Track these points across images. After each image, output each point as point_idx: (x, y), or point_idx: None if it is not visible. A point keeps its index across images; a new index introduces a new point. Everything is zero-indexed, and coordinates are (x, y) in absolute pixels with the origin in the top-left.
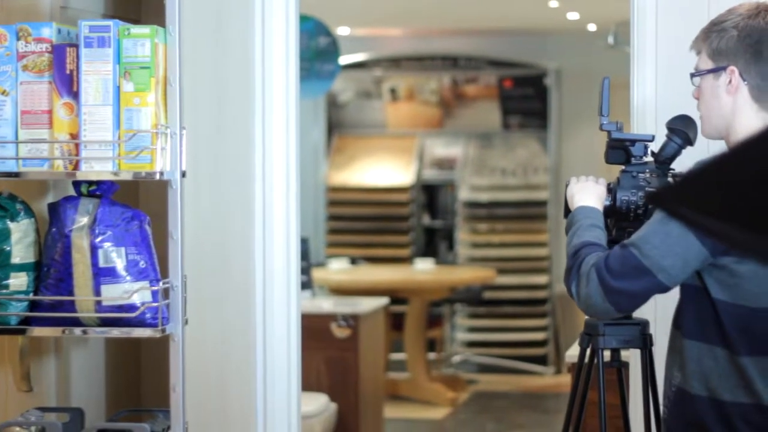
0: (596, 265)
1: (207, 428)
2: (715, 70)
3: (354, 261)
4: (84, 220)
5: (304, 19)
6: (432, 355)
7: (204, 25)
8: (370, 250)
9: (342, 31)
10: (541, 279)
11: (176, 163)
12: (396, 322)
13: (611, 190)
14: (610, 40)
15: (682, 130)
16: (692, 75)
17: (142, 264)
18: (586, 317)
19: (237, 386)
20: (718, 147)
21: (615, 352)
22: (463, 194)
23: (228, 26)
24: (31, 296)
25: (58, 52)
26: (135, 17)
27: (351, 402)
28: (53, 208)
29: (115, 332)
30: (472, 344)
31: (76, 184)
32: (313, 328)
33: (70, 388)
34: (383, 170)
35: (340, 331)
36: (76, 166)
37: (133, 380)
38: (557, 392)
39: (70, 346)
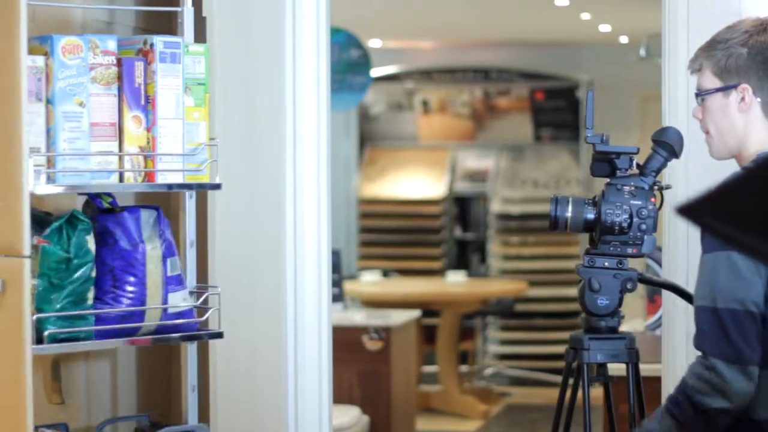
0: (715, 366)
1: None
2: (725, 89)
3: (386, 273)
4: (152, 231)
5: (335, 32)
6: (464, 368)
7: (235, 39)
8: (402, 263)
9: (374, 43)
10: (572, 291)
11: (214, 174)
12: (428, 334)
13: (596, 203)
14: (642, 52)
15: (667, 142)
16: (698, 94)
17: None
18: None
19: (268, 398)
20: (700, 161)
21: (601, 367)
22: (495, 207)
23: (259, 39)
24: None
25: (127, 66)
26: (168, 31)
27: (383, 414)
28: (112, 219)
29: (176, 338)
30: (504, 357)
31: (95, 198)
32: (345, 340)
33: (101, 399)
34: (415, 182)
35: (372, 344)
36: (148, 178)
37: (164, 390)
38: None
39: (101, 359)
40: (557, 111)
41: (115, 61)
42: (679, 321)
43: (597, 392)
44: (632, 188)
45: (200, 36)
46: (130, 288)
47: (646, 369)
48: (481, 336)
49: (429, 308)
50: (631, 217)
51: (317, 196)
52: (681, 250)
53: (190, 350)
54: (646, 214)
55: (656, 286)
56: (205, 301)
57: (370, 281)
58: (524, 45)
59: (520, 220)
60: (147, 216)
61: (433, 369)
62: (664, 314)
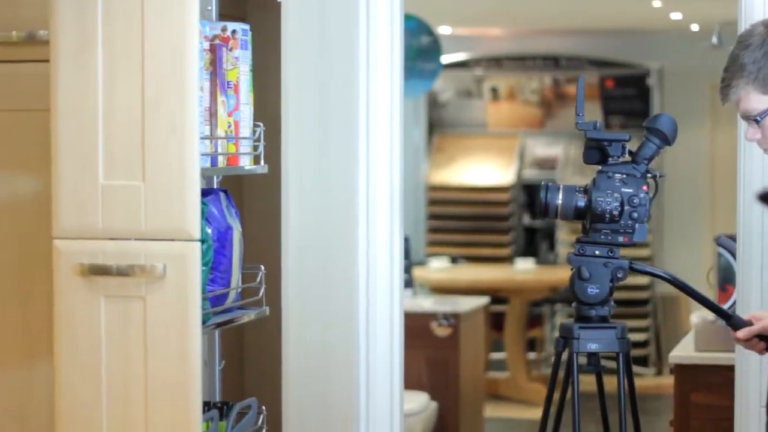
0: None
1: (308, 423)
2: None
3: (454, 260)
4: (231, 214)
5: (405, 18)
6: (532, 355)
7: (309, 25)
8: (470, 250)
9: (443, 30)
10: (642, 279)
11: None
12: (496, 321)
13: (587, 191)
14: (714, 40)
15: (660, 130)
16: (756, 119)
17: None
18: (563, 321)
19: (339, 383)
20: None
21: (593, 356)
22: None
23: (332, 25)
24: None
25: (218, 51)
26: (241, 16)
27: (451, 401)
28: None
29: (252, 316)
30: None
31: None
32: (414, 326)
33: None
34: (484, 170)
35: (440, 330)
36: (230, 162)
37: (236, 369)
38: (658, 393)
39: None
40: (627, 99)
41: (209, 47)
42: (754, 308)
43: (670, 380)
44: (624, 176)
45: (274, 21)
46: (223, 269)
47: (719, 358)
48: (549, 323)
49: (497, 295)
50: (622, 205)
51: (390, 183)
52: (756, 237)
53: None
54: (637, 202)
55: (648, 276)
56: (261, 282)
57: (438, 268)
58: (594, 32)
59: None
60: (224, 199)
61: (501, 356)
62: (738, 303)
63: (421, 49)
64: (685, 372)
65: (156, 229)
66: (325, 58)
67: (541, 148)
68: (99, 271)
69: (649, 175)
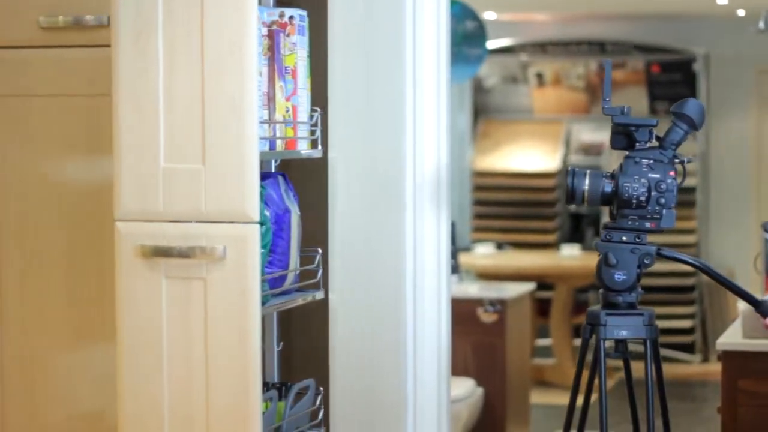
0: None
1: (356, 407)
2: None
3: (500, 246)
4: (289, 196)
5: (451, 4)
6: (578, 341)
7: (355, 10)
8: (516, 236)
9: (488, 15)
10: (688, 266)
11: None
12: (542, 307)
13: (614, 177)
14: (761, 25)
15: (687, 115)
16: None
17: None
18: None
19: (387, 369)
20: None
21: (620, 343)
22: None
23: (379, 11)
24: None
25: (276, 37)
26: (297, 2)
27: (497, 387)
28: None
29: (310, 298)
30: None
31: None
32: (460, 313)
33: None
34: (529, 156)
35: (486, 316)
36: (288, 146)
37: (293, 350)
38: (705, 380)
39: None
40: (673, 84)
41: (267, 32)
42: None
43: (716, 367)
44: (651, 161)
45: (321, 7)
46: (281, 252)
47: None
48: None
49: (543, 281)
50: (649, 190)
51: (437, 169)
52: None
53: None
54: (664, 188)
55: (675, 261)
56: (318, 264)
57: (483, 254)
58: (640, 17)
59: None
60: (283, 182)
61: (547, 342)
62: None
63: (466, 35)
64: (732, 359)
65: (216, 211)
66: (371, 42)
67: (587, 133)
68: (161, 252)
69: (676, 160)
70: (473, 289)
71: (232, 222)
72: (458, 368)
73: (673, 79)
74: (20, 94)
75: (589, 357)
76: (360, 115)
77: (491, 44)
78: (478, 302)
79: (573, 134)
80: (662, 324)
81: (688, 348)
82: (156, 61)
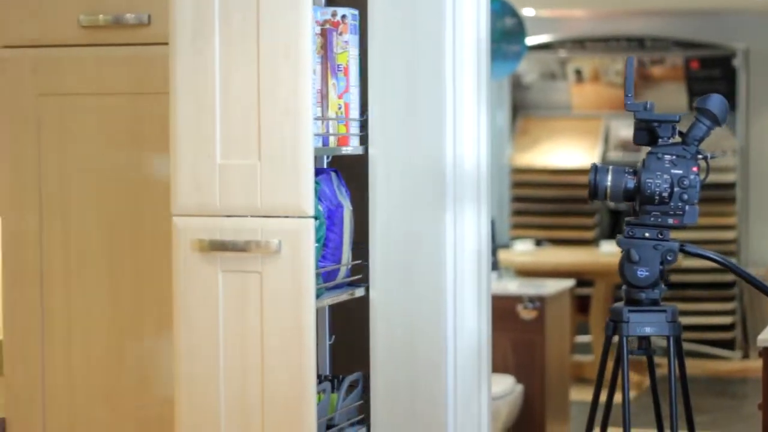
0: None
1: (396, 404)
2: None
3: (538, 243)
4: (341, 192)
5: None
6: (617, 338)
7: (395, 9)
8: (555, 232)
9: (527, 12)
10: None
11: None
12: (581, 304)
13: (636, 173)
14: None
15: (710, 110)
16: None
17: None
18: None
19: (427, 365)
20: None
21: (643, 340)
22: None
23: (419, 7)
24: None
25: (329, 36)
26: (349, 1)
27: (537, 384)
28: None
29: (362, 292)
30: None
31: None
32: (500, 309)
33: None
34: (568, 152)
35: (526, 313)
36: (340, 143)
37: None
38: (745, 377)
39: None
40: (712, 80)
41: (320, 31)
42: None
43: (756, 364)
44: (673, 157)
45: (362, 5)
46: (334, 246)
47: None
48: None
49: (582, 278)
50: (671, 186)
51: (477, 165)
52: None
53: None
54: (687, 184)
55: (697, 258)
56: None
57: (522, 250)
58: (679, 13)
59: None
60: (335, 178)
61: (587, 339)
62: None
63: (505, 31)
64: None
65: (271, 206)
66: (411, 39)
67: (626, 130)
68: (218, 246)
69: (699, 156)
70: (512, 286)
71: (287, 216)
72: (498, 365)
73: (712, 75)
74: (61, 92)
75: (631, 355)
76: (400, 112)
77: (530, 40)
78: (518, 299)
79: (612, 130)
80: (702, 321)
81: (728, 344)
82: (213, 60)
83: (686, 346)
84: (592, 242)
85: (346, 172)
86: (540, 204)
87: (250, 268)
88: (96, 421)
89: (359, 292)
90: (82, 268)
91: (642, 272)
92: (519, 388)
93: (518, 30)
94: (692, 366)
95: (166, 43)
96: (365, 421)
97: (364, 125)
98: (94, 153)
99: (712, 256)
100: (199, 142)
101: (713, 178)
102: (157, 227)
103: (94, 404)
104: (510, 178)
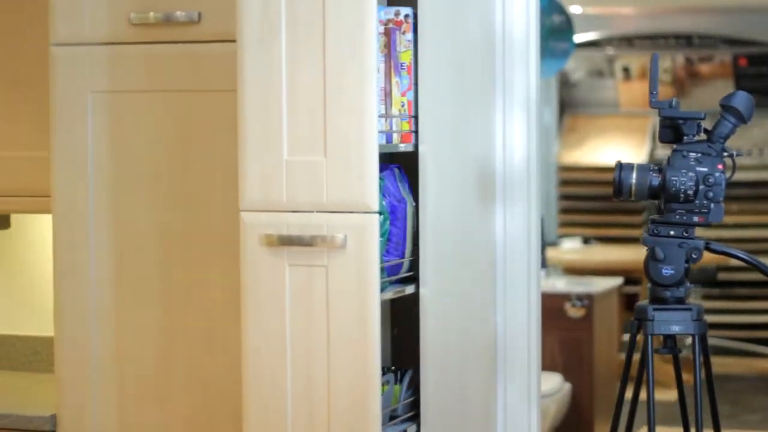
0: None
1: (446, 399)
2: None
3: (586, 240)
4: (404, 188)
5: None
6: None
7: (443, 3)
8: (602, 230)
9: (574, 9)
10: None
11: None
12: (629, 302)
13: (661, 170)
14: None
15: (735, 107)
16: None
17: None
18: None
19: (477, 363)
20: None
21: (668, 339)
22: None
23: (468, 4)
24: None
25: (392, 35)
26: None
27: (585, 382)
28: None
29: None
30: None
31: None
32: (548, 307)
33: None
34: (615, 150)
35: (574, 311)
36: (406, 139)
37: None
38: None
39: None
40: (761, 77)
41: (383, 30)
42: None
43: None
44: (699, 155)
45: (412, 2)
46: (396, 240)
47: None
48: None
49: (630, 276)
50: (697, 184)
51: (527, 163)
52: None
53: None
54: (712, 182)
55: (723, 255)
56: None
57: (570, 248)
58: (727, 10)
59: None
60: (398, 174)
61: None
62: None
63: (553, 29)
64: None
65: (337, 201)
66: (461, 37)
67: None
68: (285, 241)
69: (725, 153)
70: (560, 284)
71: (352, 212)
72: (546, 363)
73: (761, 72)
74: (112, 90)
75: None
76: (450, 110)
77: (577, 38)
78: (566, 297)
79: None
80: (750, 319)
81: None
82: (279, 60)
83: (734, 344)
84: (640, 240)
85: (406, 169)
86: (587, 202)
87: (316, 262)
88: (145, 420)
89: (409, 289)
90: (133, 266)
91: (667, 270)
92: (567, 386)
93: (566, 27)
94: (741, 365)
95: (217, 41)
96: (416, 418)
97: (414, 122)
98: (145, 151)
99: (738, 254)
100: (266, 140)
101: (761, 176)
102: (207, 225)
103: (143, 402)
104: (557, 176)
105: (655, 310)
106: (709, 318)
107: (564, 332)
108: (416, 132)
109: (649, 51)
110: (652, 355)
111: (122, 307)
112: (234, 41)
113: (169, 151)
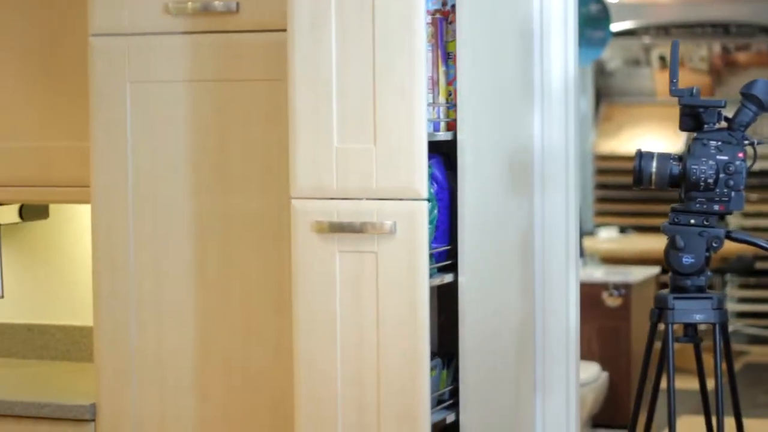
0: None
1: (484, 388)
2: None
3: (623, 230)
4: (453, 175)
5: None
6: (703, 326)
7: None
8: (639, 219)
9: None
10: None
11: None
12: None
13: (682, 159)
14: None
15: (755, 95)
16: None
17: None
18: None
19: (515, 352)
20: None
21: (689, 327)
22: None
23: None
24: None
25: (439, 24)
26: None
27: (622, 371)
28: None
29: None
30: (743, 315)
31: None
32: (585, 296)
33: None
34: (652, 139)
35: (611, 300)
36: (452, 128)
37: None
38: None
39: None
40: None
41: (431, 20)
42: None
43: None
44: (719, 143)
45: None
46: (443, 228)
47: None
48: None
49: None
50: (717, 172)
51: (565, 151)
52: None
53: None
54: (733, 170)
55: (744, 244)
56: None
57: (607, 238)
58: None
59: (760, 177)
60: (446, 162)
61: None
62: None
63: (590, 17)
64: None
65: (386, 189)
66: (498, 26)
67: None
68: (336, 228)
69: (746, 142)
70: (598, 273)
71: (402, 199)
72: (583, 352)
73: None
74: (150, 80)
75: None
76: (488, 98)
77: (614, 27)
78: (603, 286)
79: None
80: None
81: None
82: (329, 49)
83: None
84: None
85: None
86: (624, 191)
87: (366, 249)
88: (185, 409)
89: (448, 278)
90: (172, 255)
91: (687, 259)
92: (604, 375)
93: (603, 16)
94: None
95: (254, 31)
96: (455, 406)
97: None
98: (183, 140)
99: (760, 242)
100: (317, 128)
101: None
102: (245, 215)
103: (183, 392)
104: (594, 165)
105: (675, 298)
106: (746, 307)
107: (601, 321)
108: (452, 121)
109: (685, 39)
110: (673, 344)
111: (161, 296)
112: (272, 31)
113: (206, 140)
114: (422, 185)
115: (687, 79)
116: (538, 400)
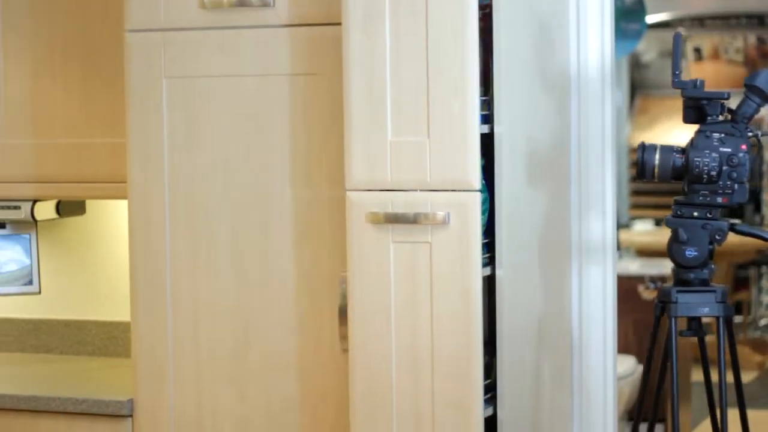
0: None
1: (521, 382)
2: None
3: (658, 222)
4: None
5: None
6: (738, 318)
7: None
8: None
9: None
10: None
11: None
12: None
13: (684, 151)
14: None
15: (759, 87)
16: None
17: None
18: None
19: (552, 345)
20: None
21: (693, 321)
22: None
23: None
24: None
25: (489, 20)
26: None
27: (658, 364)
28: None
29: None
30: None
31: None
32: (621, 289)
33: None
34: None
35: (648, 293)
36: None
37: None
38: None
39: None
40: None
41: (481, 16)
42: None
43: None
44: (722, 135)
45: None
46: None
47: None
48: (755, 286)
49: None
50: (720, 164)
51: (602, 144)
52: None
53: None
54: (736, 162)
55: (747, 236)
56: None
57: (642, 230)
58: None
59: None
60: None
61: (707, 320)
62: None
63: (625, 9)
64: None
65: (440, 180)
66: (533, 18)
67: None
68: (391, 219)
69: (749, 134)
70: (633, 266)
71: (455, 190)
72: (619, 345)
73: None
74: (187, 75)
75: (753, 334)
76: (524, 91)
77: (648, 19)
78: (639, 279)
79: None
80: None
81: None
82: (383, 45)
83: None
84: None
85: None
86: (659, 183)
87: (420, 239)
88: (223, 404)
89: (485, 271)
90: (209, 250)
91: (690, 252)
92: (641, 368)
93: (638, 8)
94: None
95: (291, 25)
96: (492, 401)
97: (487, 104)
98: (219, 135)
99: (764, 234)
100: (371, 121)
101: None
102: (282, 208)
103: (220, 387)
104: (628, 157)
105: (678, 292)
106: None
107: (637, 315)
108: (488, 114)
109: (720, 31)
110: (676, 338)
111: (198, 292)
112: (309, 25)
113: (243, 135)
114: (475, 176)
115: (722, 71)
116: (576, 396)
